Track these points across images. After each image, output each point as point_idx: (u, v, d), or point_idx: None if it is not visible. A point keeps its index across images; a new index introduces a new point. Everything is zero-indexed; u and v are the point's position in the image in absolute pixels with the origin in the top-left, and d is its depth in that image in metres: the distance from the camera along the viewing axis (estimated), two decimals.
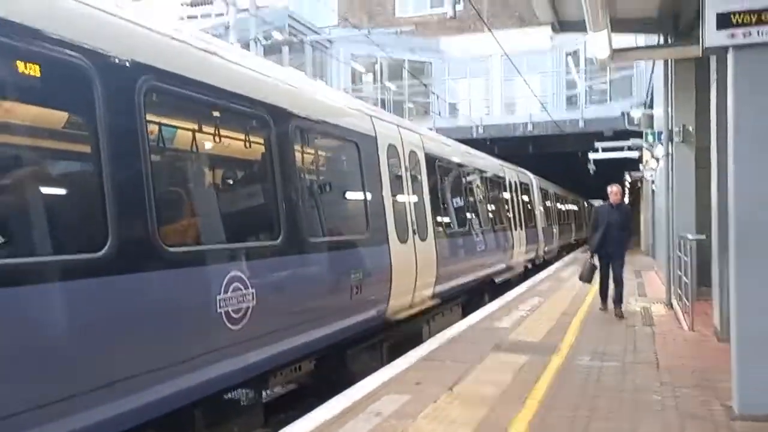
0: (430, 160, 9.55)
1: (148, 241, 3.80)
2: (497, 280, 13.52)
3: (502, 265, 14.01)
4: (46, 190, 3.58)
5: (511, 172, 16.80)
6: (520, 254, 16.24)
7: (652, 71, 18.05)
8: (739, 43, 4.44)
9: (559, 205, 27.27)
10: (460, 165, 11.91)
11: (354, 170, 7.10)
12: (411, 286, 7.97)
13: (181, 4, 12.56)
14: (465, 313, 10.72)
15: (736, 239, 4.69)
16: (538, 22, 12.25)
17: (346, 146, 7.08)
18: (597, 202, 68.09)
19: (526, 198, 18.33)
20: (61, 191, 3.76)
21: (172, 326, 3.95)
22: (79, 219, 3.67)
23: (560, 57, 28.45)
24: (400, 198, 8.05)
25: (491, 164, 15.02)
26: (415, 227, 8.34)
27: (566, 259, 23.65)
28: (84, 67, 3.51)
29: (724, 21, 4.46)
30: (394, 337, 7.94)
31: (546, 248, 21.24)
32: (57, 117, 3.70)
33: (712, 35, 4.52)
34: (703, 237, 8.32)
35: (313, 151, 6.63)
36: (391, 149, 7.98)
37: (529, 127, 24.50)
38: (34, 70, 3.28)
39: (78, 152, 3.85)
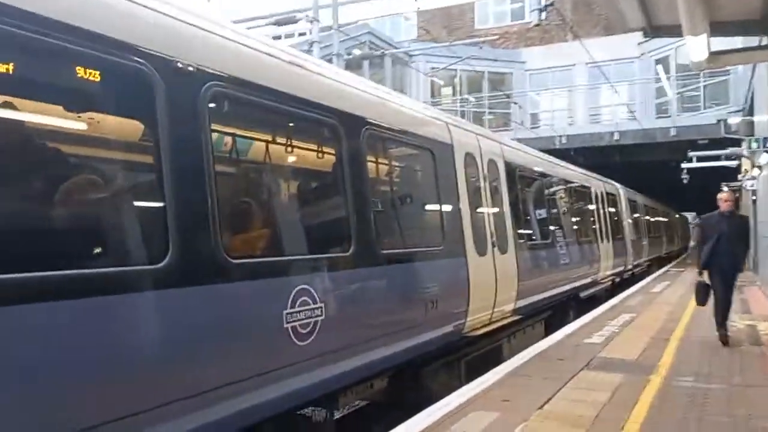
0: (511, 169, 9.11)
1: (210, 252, 3.64)
2: (583, 295, 12.82)
3: (588, 279, 13.31)
4: (107, 200, 3.44)
5: (597, 182, 16.07)
6: (607, 268, 15.44)
7: (752, 75, 16.99)
8: None
9: (648, 217, 25.96)
10: (542, 175, 11.41)
11: (429, 180, 6.78)
12: (490, 301, 7.58)
13: (266, 24, 12.80)
14: (548, 331, 10.22)
15: None
16: (625, 29, 11.66)
17: (421, 155, 6.76)
18: (690, 215, 64.46)
19: (613, 209, 17.47)
20: (122, 201, 3.58)
21: (236, 341, 3.76)
22: (139, 230, 3.53)
23: (649, 64, 27.29)
24: (478, 209, 7.66)
25: (576, 174, 14.36)
26: (495, 239, 7.91)
27: (658, 273, 22.44)
28: (146, 72, 3.40)
29: None
30: (473, 354, 7.56)
31: (635, 261, 20.21)
32: (117, 125, 3.56)
33: None
34: None
35: (386, 160, 6.40)
36: (469, 158, 7.60)
37: (616, 136, 23.47)
38: (94, 76, 3.17)
39: (139, 162, 3.72)
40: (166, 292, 3.37)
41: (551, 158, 12.90)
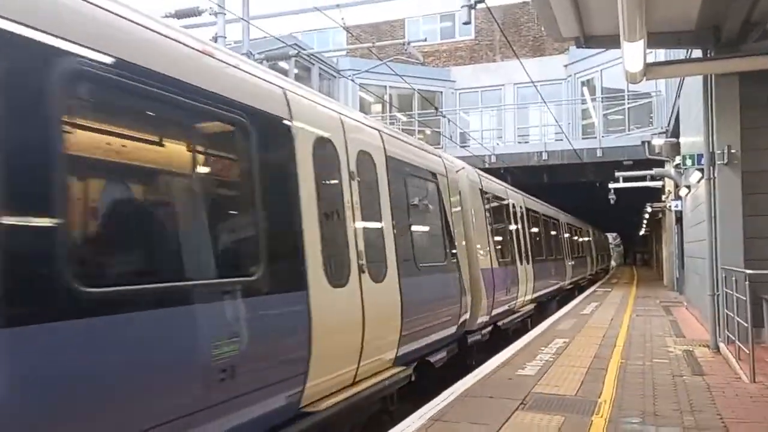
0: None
1: None
2: (433, 360, 7.73)
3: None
4: None
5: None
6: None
7: (677, 97, 17.04)
8: None
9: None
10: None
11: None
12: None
13: (165, 15, 11.32)
14: None
15: None
16: (558, 39, 11.21)
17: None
18: (612, 235, 66.27)
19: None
20: None
21: None
22: None
23: (575, 86, 27.58)
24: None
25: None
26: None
27: (585, 294, 22.21)
28: None
29: None
30: None
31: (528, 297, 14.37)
32: None
33: None
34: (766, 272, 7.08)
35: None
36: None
37: (544, 156, 23.41)
38: None
39: None
40: None
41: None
